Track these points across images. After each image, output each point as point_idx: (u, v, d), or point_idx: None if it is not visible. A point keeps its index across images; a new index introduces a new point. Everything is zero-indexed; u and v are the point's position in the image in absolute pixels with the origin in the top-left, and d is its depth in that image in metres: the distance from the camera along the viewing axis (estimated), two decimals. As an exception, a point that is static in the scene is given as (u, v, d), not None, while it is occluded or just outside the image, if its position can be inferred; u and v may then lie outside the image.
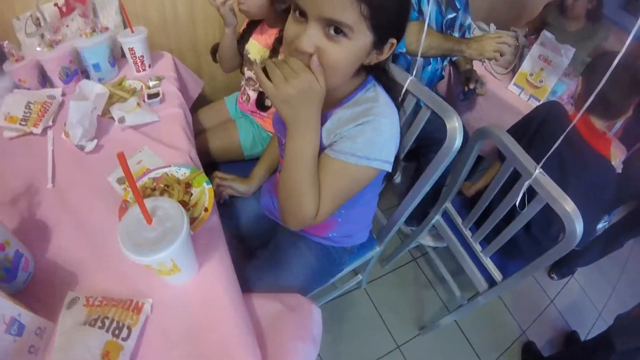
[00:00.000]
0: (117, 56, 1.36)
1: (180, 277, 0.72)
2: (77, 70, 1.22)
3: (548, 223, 1.29)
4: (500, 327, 1.86)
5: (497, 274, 1.27)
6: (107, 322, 0.64)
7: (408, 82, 1.04)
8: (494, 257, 1.29)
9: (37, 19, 1.13)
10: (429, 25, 1.24)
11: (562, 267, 2.10)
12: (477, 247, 1.33)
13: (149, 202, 0.64)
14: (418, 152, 1.68)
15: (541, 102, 1.76)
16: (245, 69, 1.45)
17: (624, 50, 0.74)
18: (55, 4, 1.19)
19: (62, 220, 0.85)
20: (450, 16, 1.57)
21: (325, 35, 0.64)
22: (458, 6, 1.58)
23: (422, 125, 1.07)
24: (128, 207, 0.80)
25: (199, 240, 0.80)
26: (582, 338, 1.87)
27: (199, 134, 1.44)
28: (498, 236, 1.19)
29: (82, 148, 0.99)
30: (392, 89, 0.84)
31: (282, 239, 1.11)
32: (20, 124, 1.03)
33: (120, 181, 0.92)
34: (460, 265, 1.42)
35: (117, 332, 0.64)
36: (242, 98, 1.52)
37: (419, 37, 1.12)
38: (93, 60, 1.21)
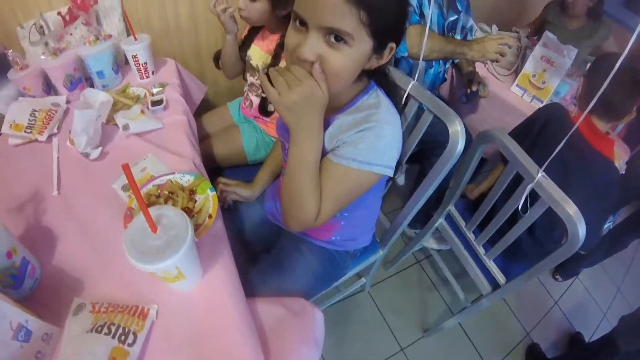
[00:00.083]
0: (121, 63, 1.37)
1: (185, 284, 0.73)
2: (81, 78, 1.23)
3: (551, 226, 1.28)
4: (504, 329, 1.86)
5: (500, 277, 1.27)
6: (113, 329, 0.65)
7: (410, 86, 1.05)
8: (498, 260, 1.29)
9: (41, 27, 1.14)
10: (430, 28, 1.24)
11: (567, 269, 2.09)
12: (481, 250, 1.33)
13: (153, 211, 0.65)
14: (421, 154, 1.68)
15: (544, 104, 1.75)
16: (248, 75, 1.46)
17: (626, 51, 0.73)
18: (59, 13, 1.20)
19: (68, 227, 0.86)
20: (452, 18, 1.57)
21: (326, 43, 0.65)
22: (460, 8, 1.58)
23: (425, 128, 1.08)
24: (133, 215, 0.82)
25: (203, 247, 0.81)
26: (587, 339, 1.86)
27: (202, 139, 1.45)
28: (501, 239, 1.19)
29: (87, 155, 1.00)
30: (393, 93, 0.85)
31: (286, 244, 1.12)
32: (25, 131, 1.05)
33: (125, 188, 0.93)
34: (464, 267, 1.42)
35: (123, 338, 0.64)
36: (245, 103, 1.53)
37: (421, 40, 1.12)
38: (97, 68, 1.23)
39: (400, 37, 0.73)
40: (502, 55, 1.37)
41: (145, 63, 1.31)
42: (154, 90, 1.27)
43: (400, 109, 0.83)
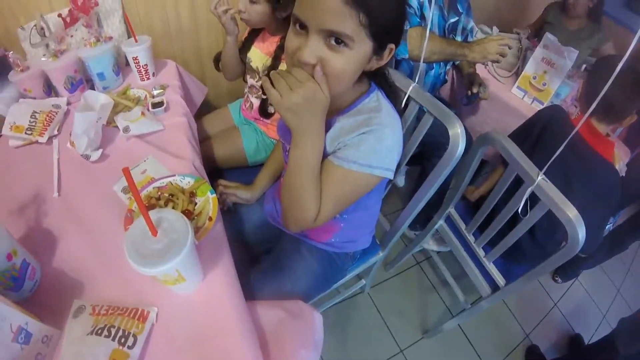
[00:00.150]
0: (122, 65, 1.37)
1: (185, 287, 0.73)
2: (82, 80, 1.24)
3: (552, 228, 1.28)
4: (503, 330, 1.86)
5: (500, 279, 1.27)
6: (113, 331, 0.65)
7: (410, 88, 1.05)
8: (498, 261, 1.29)
9: (42, 28, 1.15)
10: (431, 30, 1.24)
11: (567, 270, 2.08)
12: (480, 252, 1.33)
13: (153, 214, 0.65)
14: (422, 156, 1.68)
15: (545, 105, 1.75)
16: (248, 77, 1.46)
17: (628, 53, 0.73)
18: (59, 15, 1.20)
19: (68, 229, 0.86)
20: (452, 20, 1.57)
21: (327, 45, 0.65)
22: (460, 10, 1.59)
23: (426, 130, 1.08)
24: (133, 217, 0.82)
25: (203, 249, 0.81)
26: (586, 341, 1.86)
27: (203, 140, 1.45)
28: (501, 241, 1.19)
29: (87, 157, 1.01)
30: (393, 94, 0.85)
31: (286, 245, 1.12)
32: (25, 133, 1.05)
33: (125, 190, 0.93)
34: (463, 269, 1.42)
35: (123, 340, 0.65)
36: (245, 105, 1.53)
37: (422, 42, 1.12)
38: (97, 70, 1.23)
39: (399, 38, 0.74)
40: (503, 55, 1.37)
41: (146, 65, 1.31)
42: (155, 92, 1.27)
43: (401, 111, 0.84)
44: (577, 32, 2.12)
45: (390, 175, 0.78)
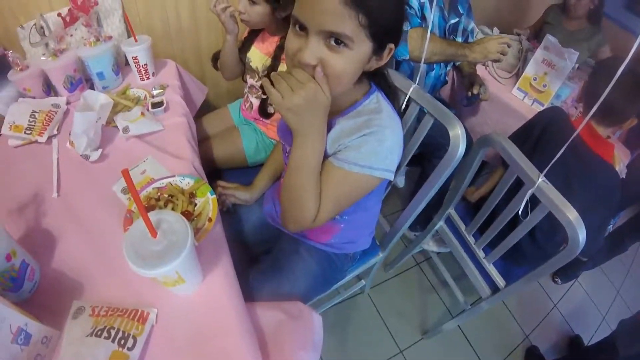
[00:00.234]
0: (121, 64, 1.37)
1: (185, 288, 0.73)
2: (82, 79, 1.23)
3: (553, 230, 1.28)
4: (503, 331, 1.86)
5: (500, 281, 1.27)
6: (112, 332, 0.65)
7: (411, 90, 1.05)
8: (498, 262, 1.29)
9: (41, 28, 1.14)
10: (431, 31, 1.24)
11: (567, 271, 2.09)
12: (480, 254, 1.33)
13: (153, 216, 0.65)
14: (422, 157, 1.68)
15: (545, 107, 1.75)
16: (248, 77, 1.46)
17: (630, 56, 0.73)
18: (59, 14, 1.20)
19: (67, 230, 0.86)
20: (453, 21, 1.57)
21: (327, 46, 0.65)
22: (461, 11, 1.58)
23: (426, 131, 1.07)
24: (132, 217, 0.81)
25: (203, 250, 0.81)
26: (586, 342, 1.86)
27: (202, 140, 1.45)
28: (501, 243, 1.19)
29: (87, 157, 1.00)
30: (394, 95, 0.85)
31: (285, 246, 1.12)
32: (25, 132, 1.04)
33: (124, 191, 0.93)
34: (463, 270, 1.42)
35: (122, 341, 0.64)
36: (245, 105, 1.53)
37: (422, 43, 1.12)
38: (97, 69, 1.22)
39: (398, 38, 0.74)
40: (504, 54, 1.37)
41: (146, 64, 1.30)
42: (154, 92, 1.27)
43: (401, 112, 0.83)
44: (576, 33, 2.12)
45: (391, 177, 0.78)
